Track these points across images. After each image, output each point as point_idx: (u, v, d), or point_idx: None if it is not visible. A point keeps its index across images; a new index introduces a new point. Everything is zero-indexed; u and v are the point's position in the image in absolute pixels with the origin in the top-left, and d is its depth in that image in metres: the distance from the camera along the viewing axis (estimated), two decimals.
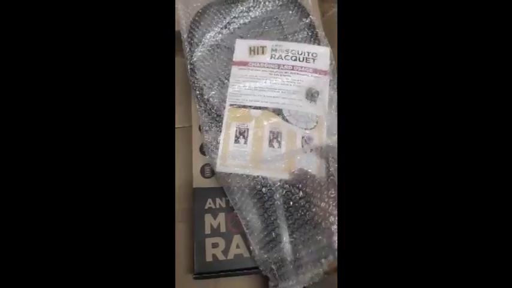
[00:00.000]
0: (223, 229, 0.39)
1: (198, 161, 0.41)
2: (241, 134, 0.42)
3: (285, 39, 0.45)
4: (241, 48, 0.47)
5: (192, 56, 0.42)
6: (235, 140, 0.42)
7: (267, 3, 0.43)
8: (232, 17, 0.43)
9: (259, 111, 0.43)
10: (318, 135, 0.42)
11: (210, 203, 0.40)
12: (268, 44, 0.47)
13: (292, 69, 0.46)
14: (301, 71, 0.45)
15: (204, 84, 0.42)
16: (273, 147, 0.42)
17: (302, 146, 0.42)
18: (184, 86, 0.44)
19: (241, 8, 0.43)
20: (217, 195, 0.40)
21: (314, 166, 0.41)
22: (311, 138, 0.42)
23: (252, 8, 0.43)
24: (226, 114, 0.43)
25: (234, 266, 0.38)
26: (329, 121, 0.43)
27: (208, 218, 0.39)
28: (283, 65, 0.46)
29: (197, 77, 0.42)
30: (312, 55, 0.46)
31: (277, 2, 0.44)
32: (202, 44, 0.43)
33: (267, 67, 0.46)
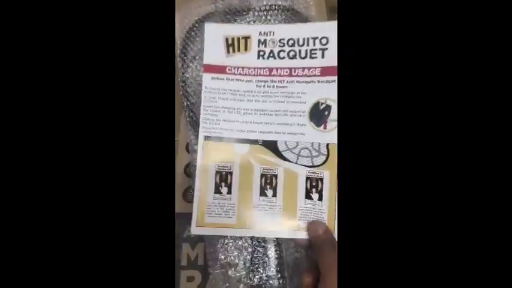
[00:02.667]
0: (200, 262, 0.36)
1: (181, 183, 0.39)
2: (223, 179, 0.36)
3: None
4: (213, 39, 0.35)
5: (184, 72, 0.39)
6: (216, 189, 0.36)
7: (268, 17, 0.39)
8: None
9: (245, 146, 0.36)
10: (330, 175, 0.35)
11: (189, 231, 0.37)
12: (254, 31, 0.35)
13: (290, 75, 0.36)
14: (303, 75, 0.35)
15: (196, 103, 0.38)
16: (266, 196, 0.36)
17: (307, 192, 0.35)
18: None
19: (240, 21, 0.39)
20: None
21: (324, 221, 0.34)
22: (320, 180, 0.35)
23: (252, 23, 0.39)
24: (201, 151, 0.36)
25: None
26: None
27: (185, 248, 0.37)
28: (277, 69, 0.36)
29: (189, 97, 0.38)
30: (321, 42, 0.35)
31: (278, 17, 0.39)
32: (198, 60, 0.39)
33: (253, 74, 0.36)
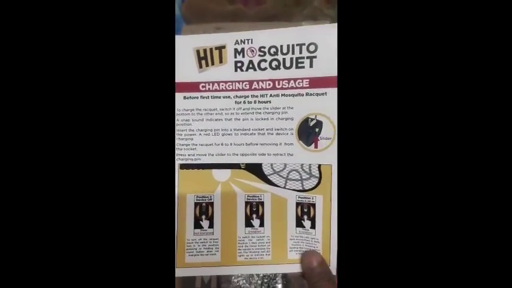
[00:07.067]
0: None
1: None
2: (204, 212, 0.32)
3: None
4: (183, 54, 0.31)
5: None
6: (196, 224, 0.32)
7: None
8: None
9: (226, 171, 0.33)
10: (324, 200, 0.31)
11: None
12: (229, 40, 0.31)
13: (274, 88, 0.31)
14: (289, 88, 0.31)
15: None
16: (253, 226, 0.32)
17: (298, 220, 0.32)
18: None
19: None
20: None
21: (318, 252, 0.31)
22: (312, 206, 0.31)
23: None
24: (177, 182, 0.32)
25: None
26: None
27: None
28: (258, 82, 0.31)
29: None
30: (309, 49, 0.30)
31: None
32: None
33: (231, 89, 0.32)
